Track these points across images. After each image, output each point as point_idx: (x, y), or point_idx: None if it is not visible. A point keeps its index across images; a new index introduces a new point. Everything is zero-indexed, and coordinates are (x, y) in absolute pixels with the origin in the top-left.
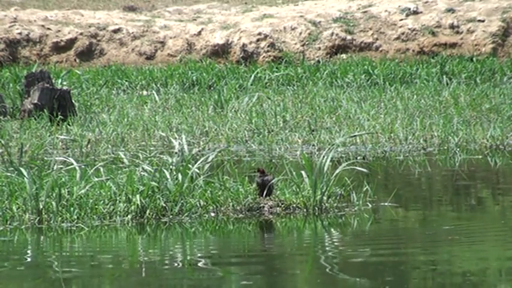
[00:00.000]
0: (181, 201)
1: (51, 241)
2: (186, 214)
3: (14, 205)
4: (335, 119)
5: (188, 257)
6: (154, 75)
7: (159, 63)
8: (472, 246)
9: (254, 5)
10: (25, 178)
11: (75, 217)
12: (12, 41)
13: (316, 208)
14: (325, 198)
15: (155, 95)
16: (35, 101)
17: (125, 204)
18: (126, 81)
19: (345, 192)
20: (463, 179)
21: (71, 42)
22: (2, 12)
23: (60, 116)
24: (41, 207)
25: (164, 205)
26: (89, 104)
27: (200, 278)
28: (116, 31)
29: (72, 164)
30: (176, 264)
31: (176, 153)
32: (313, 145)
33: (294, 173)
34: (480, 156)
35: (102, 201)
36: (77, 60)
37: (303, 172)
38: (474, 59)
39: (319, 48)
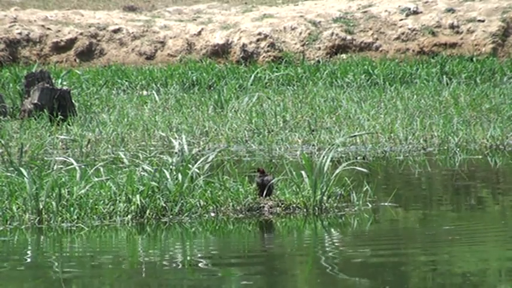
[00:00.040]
0: (181, 201)
1: (51, 241)
2: (186, 214)
3: (14, 205)
4: (335, 119)
5: (188, 257)
6: (154, 75)
7: (159, 63)
8: (472, 246)
9: (254, 5)
10: (25, 178)
11: (75, 217)
12: (12, 41)
13: (316, 208)
14: (325, 198)
15: (155, 95)
16: (35, 101)
17: (124, 204)
18: (126, 81)
19: (345, 192)
20: (463, 179)
21: (71, 42)
22: (2, 12)
23: (60, 116)
24: (41, 207)
25: (164, 205)
26: (89, 104)
27: (200, 278)
28: (116, 31)
29: (72, 164)
30: (176, 265)
31: (176, 153)
32: (313, 145)
33: (294, 173)
34: (480, 156)
35: (102, 201)
36: (77, 60)
37: (303, 172)
38: (474, 59)
39: (319, 48)
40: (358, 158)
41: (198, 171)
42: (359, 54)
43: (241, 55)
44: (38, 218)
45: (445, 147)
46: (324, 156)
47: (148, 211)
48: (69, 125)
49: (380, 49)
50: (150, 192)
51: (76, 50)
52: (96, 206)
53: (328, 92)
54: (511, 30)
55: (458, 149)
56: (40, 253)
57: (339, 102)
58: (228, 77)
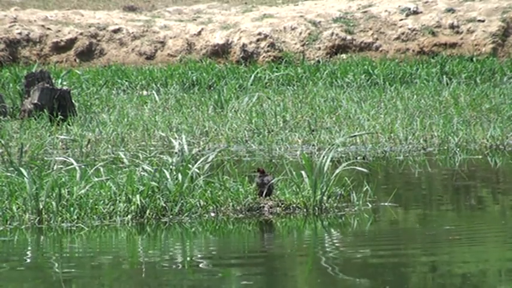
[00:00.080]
0: (181, 201)
1: (51, 241)
2: (186, 214)
3: (14, 205)
4: (335, 119)
5: (188, 257)
6: (154, 75)
7: (159, 63)
8: (472, 246)
9: (254, 5)
10: (25, 178)
11: (75, 217)
12: (12, 41)
13: (316, 208)
14: (325, 198)
15: (155, 95)
16: (35, 101)
17: (124, 204)
18: (126, 81)
19: (345, 192)
20: (463, 179)
21: (71, 42)
22: (2, 12)
23: (60, 116)
24: (41, 207)
25: (164, 205)
26: (89, 104)
27: (200, 279)
28: (116, 31)
29: (72, 164)
30: (176, 265)
31: (176, 153)
32: (313, 145)
33: (294, 173)
34: (480, 156)
35: (102, 201)
36: (77, 60)
37: (303, 172)
38: (474, 59)
39: (319, 48)
40: (358, 158)
41: (198, 171)
42: (359, 54)
43: (241, 55)
44: (38, 218)
45: (445, 147)
46: (324, 156)
47: (148, 211)
48: (69, 125)
49: (380, 49)
50: (150, 192)
51: (76, 50)
52: (96, 206)
53: (328, 92)
54: (511, 30)
55: (458, 149)
56: (40, 253)
57: (339, 102)
58: (228, 77)
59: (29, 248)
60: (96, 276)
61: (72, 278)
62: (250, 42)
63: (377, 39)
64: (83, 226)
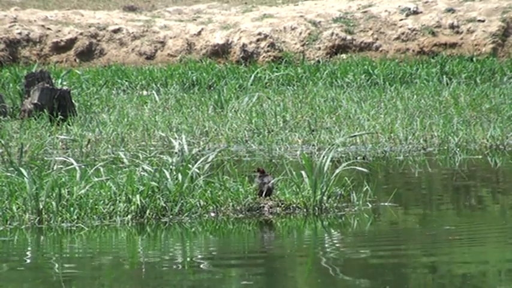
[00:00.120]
0: (181, 201)
1: (51, 241)
2: (186, 214)
3: (14, 205)
4: (335, 119)
5: (188, 258)
6: (154, 75)
7: (159, 63)
8: (472, 246)
9: (254, 5)
10: (25, 178)
11: (75, 217)
12: (12, 41)
13: (316, 208)
14: (325, 198)
15: (155, 95)
16: (35, 101)
17: (124, 204)
18: (126, 81)
19: (345, 192)
20: (463, 179)
21: (71, 42)
22: (2, 12)
23: (60, 116)
24: (41, 207)
25: (164, 205)
26: (89, 104)
27: (200, 279)
28: (116, 31)
29: (72, 164)
30: (176, 265)
31: (176, 153)
32: (313, 145)
33: (294, 173)
34: (480, 156)
35: (102, 201)
36: (77, 60)
37: (303, 172)
38: (474, 59)
39: (319, 48)
40: (358, 158)
41: (198, 171)
42: (359, 54)
43: (241, 55)
44: (38, 218)
45: (445, 147)
46: (324, 156)
47: (148, 211)
48: (69, 125)
49: (380, 49)
50: (150, 192)
51: (76, 50)
52: (96, 206)
53: (328, 92)
54: (511, 30)
55: (458, 149)
56: (40, 253)
57: (339, 102)
58: (228, 77)
59: (29, 248)
60: (96, 277)
61: (72, 279)
62: (250, 42)
63: (377, 39)
64: (83, 226)
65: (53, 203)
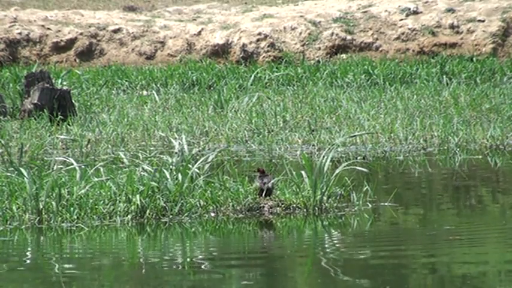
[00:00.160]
0: (181, 201)
1: (51, 241)
2: (186, 214)
3: (14, 205)
4: (335, 119)
5: (188, 258)
6: (154, 75)
7: (159, 63)
8: (472, 246)
9: (254, 5)
10: (25, 178)
11: (75, 217)
12: (12, 41)
13: (316, 208)
14: (325, 198)
15: (155, 95)
16: (35, 101)
17: (124, 204)
18: (126, 81)
19: (345, 192)
20: (463, 179)
21: (71, 42)
22: (2, 12)
23: (60, 116)
24: (41, 207)
25: (164, 205)
26: (89, 104)
27: (200, 279)
28: (116, 31)
29: (72, 164)
30: (176, 265)
31: (176, 153)
32: (313, 145)
33: (294, 173)
34: (480, 156)
35: (102, 201)
36: (77, 60)
37: (303, 172)
38: (474, 59)
39: (319, 48)
40: (358, 158)
41: (198, 171)
42: (359, 54)
43: (241, 55)
44: (38, 218)
45: (445, 147)
46: (324, 156)
47: (148, 211)
48: (69, 125)
49: (380, 49)
50: (150, 192)
51: (76, 50)
52: (96, 206)
53: (328, 92)
54: (511, 30)
55: (458, 149)
56: (40, 254)
57: (339, 102)
58: (228, 77)
59: (29, 248)
60: (96, 277)
61: (72, 279)
62: (250, 42)
63: (377, 39)
64: (83, 226)
65: (53, 203)
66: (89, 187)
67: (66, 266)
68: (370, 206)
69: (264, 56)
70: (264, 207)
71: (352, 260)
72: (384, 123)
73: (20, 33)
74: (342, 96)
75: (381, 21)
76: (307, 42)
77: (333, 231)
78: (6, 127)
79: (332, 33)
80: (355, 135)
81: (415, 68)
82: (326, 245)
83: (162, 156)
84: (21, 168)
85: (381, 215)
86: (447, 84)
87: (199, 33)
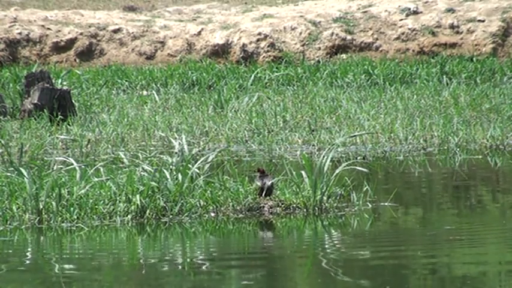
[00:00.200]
0: (181, 201)
1: (51, 241)
2: (186, 214)
3: (14, 205)
4: (335, 119)
5: (188, 258)
6: (154, 75)
7: (159, 63)
8: (472, 246)
9: (254, 5)
10: (25, 178)
11: (75, 217)
12: (12, 41)
13: (316, 208)
14: (325, 198)
15: (155, 95)
16: (35, 101)
17: (124, 204)
18: (126, 81)
19: (345, 192)
20: (463, 179)
21: (71, 42)
22: (2, 12)
23: (60, 116)
24: (41, 207)
25: (164, 205)
26: (89, 104)
27: (200, 279)
28: (116, 31)
29: (72, 164)
30: (176, 265)
31: (176, 153)
32: (313, 145)
33: (294, 173)
34: (480, 156)
35: (102, 201)
36: (77, 60)
37: (303, 172)
38: (474, 59)
39: (319, 48)
40: (358, 158)
41: (198, 171)
42: (359, 54)
43: (241, 55)
44: (38, 218)
45: (445, 147)
46: (324, 156)
47: (148, 211)
48: (69, 125)
49: (380, 49)
50: (150, 192)
51: (76, 50)
52: (96, 206)
53: (328, 92)
54: (511, 30)
55: (458, 149)
56: (40, 254)
57: (339, 102)
58: (228, 77)
59: (29, 248)
60: (96, 277)
61: (72, 279)
62: (250, 42)
63: (377, 39)
64: (83, 226)
65: (53, 203)
66: (89, 187)
67: (66, 266)
68: (370, 206)
69: (264, 56)
70: (264, 207)
71: (352, 260)
72: (384, 123)
73: (20, 33)
74: (342, 96)
75: (380, 21)
76: (307, 42)
77: (333, 231)
78: (6, 127)
79: (332, 33)
80: (355, 135)
81: (415, 68)
82: (326, 245)
83: (162, 156)
84: (21, 168)
85: (381, 215)
86: (447, 84)
87: (199, 33)
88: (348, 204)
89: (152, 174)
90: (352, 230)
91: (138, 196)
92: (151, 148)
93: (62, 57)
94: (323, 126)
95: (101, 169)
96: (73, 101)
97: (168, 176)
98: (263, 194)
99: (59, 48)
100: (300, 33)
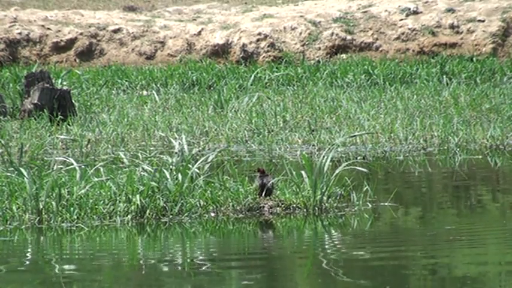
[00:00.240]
0: (181, 201)
1: (51, 241)
2: (186, 214)
3: (14, 205)
4: (335, 119)
5: (188, 258)
6: (154, 75)
7: (159, 63)
8: (472, 247)
9: (254, 5)
10: (25, 178)
11: (75, 217)
12: (12, 41)
13: (316, 208)
14: (325, 198)
15: (155, 95)
16: (35, 101)
17: (124, 204)
18: (126, 81)
19: (345, 192)
20: (463, 179)
21: (71, 42)
22: (2, 12)
23: (60, 116)
24: (41, 207)
25: (164, 205)
26: (89, 104)
27: (200, 279)
28: (116, 31)
29: (72, 164)
30: (176, 265)
31: (176, 153)
32: (313, 145)
33: (294, 173)
34: (480, 156)
35: (102, 201)
36: (77, 60)
37: (303, 172)
38: (474, 59)
39: (319, 48)
40: (358, 158)
41: (198, 171)
42: (359, 54)
43: (241, 55)
44: (38, 218)
45: (445, 147)
46: (324, 156)
47: (148, 211)
48: (69, 125)
49: (380, 49)
50: (150, 192)
51: (76, 50)
52: (96, 206)
53: (328, 92)
54: (511, 30)
55: (458, 149)
56: (40, 254)
57: (339, 102)
58: (228, 77)
59: (29, 248)
60: (96, 277)
61: (72, 279)
62: (250, 42)
63: (377, 39)
64: (83, 226)
65: (53, 203)
66: (89, 187)
67: (66, 266)
68: (370, 206)
69: (264, 56)
70: (264, 207)
71: (352, 260)
72: (384, 123)
73: (20, 33)
74: (342, 96)
75: (380, 21)
76: (307, 42)
77: (333, 231)
78: (6, 127)
79: (332, 33)
80: (355, 135)
81: (415, 68)
82: (326, 245)
83: (162, 156)
84: (21, 168)
85: (380, 215)
86: (447, 84)
87: (199, 33)
88: (348, 204)
89: (152, 174)
90: (352, 230)
91: (138, 196)
92: (151, 148)
93: (62, 57)
94: (323, 126)
95: (101, 169)
96: (73, 101)
97: (168, 176)
98: (263, 194)
99: (59, 48)
100: (300, 33)
